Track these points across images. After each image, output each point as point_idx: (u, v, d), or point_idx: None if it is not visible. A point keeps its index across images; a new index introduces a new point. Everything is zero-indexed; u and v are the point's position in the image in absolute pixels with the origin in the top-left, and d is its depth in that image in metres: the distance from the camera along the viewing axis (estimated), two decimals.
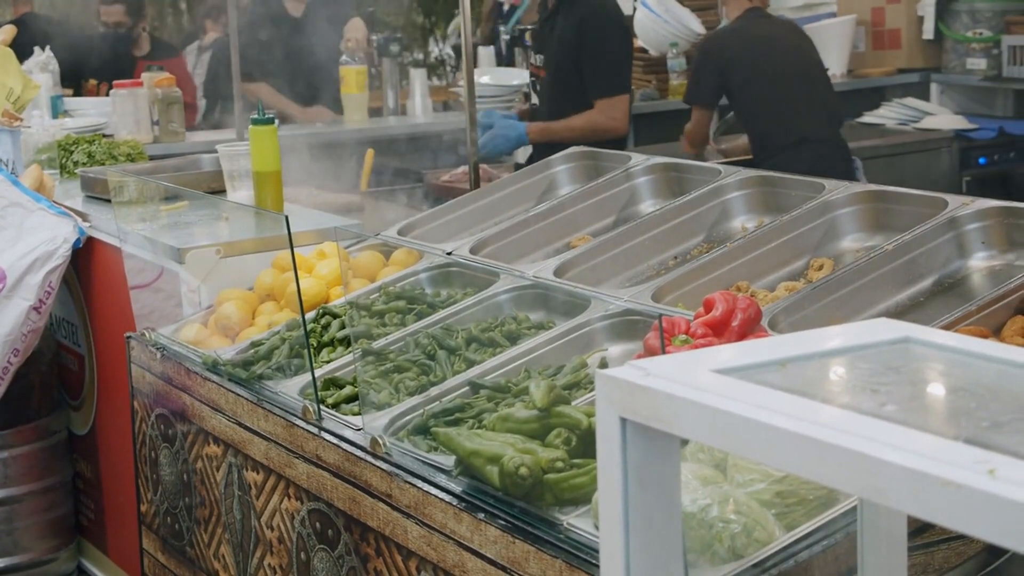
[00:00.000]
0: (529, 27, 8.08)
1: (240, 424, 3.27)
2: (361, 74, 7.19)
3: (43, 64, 6.76)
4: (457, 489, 2.55)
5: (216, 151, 4.73)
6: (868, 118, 7.81)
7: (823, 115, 6.09)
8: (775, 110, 6.03)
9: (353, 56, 7.16)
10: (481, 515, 2.44)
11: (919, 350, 1.73)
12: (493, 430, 2.55)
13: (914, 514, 1.32)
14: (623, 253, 3.57)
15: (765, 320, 2.74)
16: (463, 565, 2.48)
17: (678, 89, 7.86)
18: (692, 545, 2.08)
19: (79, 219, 4.60)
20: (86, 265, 4.65)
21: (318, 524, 2.97)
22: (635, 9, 7.86)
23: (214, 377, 3.43)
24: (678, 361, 1.69)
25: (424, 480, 2.62)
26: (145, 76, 6.72)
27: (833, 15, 8.63)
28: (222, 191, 4.59)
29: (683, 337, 2.48)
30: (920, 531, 2.13)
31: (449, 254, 3.69)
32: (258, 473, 3.21)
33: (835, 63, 8.27)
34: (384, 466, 2.72)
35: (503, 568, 2.38)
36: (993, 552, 2.20)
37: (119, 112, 6.47)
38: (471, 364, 3.06)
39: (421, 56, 11.49)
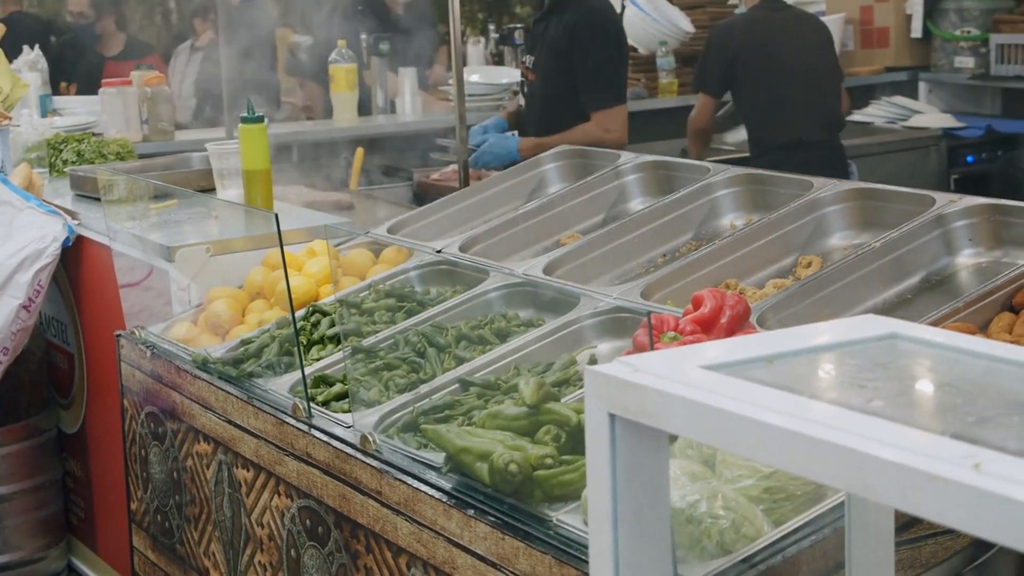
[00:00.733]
0: (519, 26, 8.09)
1: (230, 422, 3.28)
2: (351, 73, 7.19)
3: (32, 63, 6.77)
4: (447, 486, 2.55)
5: (206, 149, 4.74)
6: (857, 116, 7.82)
7: (822, 118, 6.06)
8: (773, 108, 6.01)
9: (343, 56, 7.16)
10: (471, 511, 2.45)
11: (906, 346, 1.74)
12: (483, 427, 2.55)
13: (901, 509, 1.33)
14: (612, 251, 3.58)
15: (753, 317, 2.75)
16: (453, 561, 2.49)
17: (667, 88, 7.88)
18: (681, 541, 2.09)
19: (68, 218, 4.60)
20: (75, 264, 4.65)
21: (308, 521, 2.98)
22: (624, 7, 7.86)
23: (204, 375, 3.43)
24: (667, 357, 1.70)
25: (414, 477, 2.62)
26: (134, 75, 6.72)
27: (822, 14, 8.63)
28: (211, 189, 4.59)
29: (672, 334, 2.50)
30: (907, 526, 2.14)
31: (439, 252, 3.70)
32: (248, 471, 3.22)
33: None
34: (374, 463, 2.73)
35: (493, 564, 2.38)
36: (978, 547, 2.21)
37: (108, 111, 6.47)
38: (461, 361, 3.06)
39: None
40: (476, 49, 8.44)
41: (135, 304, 4.10)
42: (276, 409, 3.11)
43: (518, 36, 8.02)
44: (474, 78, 7.30)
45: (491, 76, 7.62)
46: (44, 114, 6.49)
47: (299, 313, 3.44)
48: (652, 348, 2.32)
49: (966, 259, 3.10)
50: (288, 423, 3.03)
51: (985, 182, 7.13)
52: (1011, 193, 3.19)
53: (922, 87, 8.18)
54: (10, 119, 5.62)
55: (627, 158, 4.09)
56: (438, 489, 2.56)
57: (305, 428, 2.98)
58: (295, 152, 6.43)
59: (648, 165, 4.01)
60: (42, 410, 4.88)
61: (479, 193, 4.22)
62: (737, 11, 7.07)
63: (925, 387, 1.67)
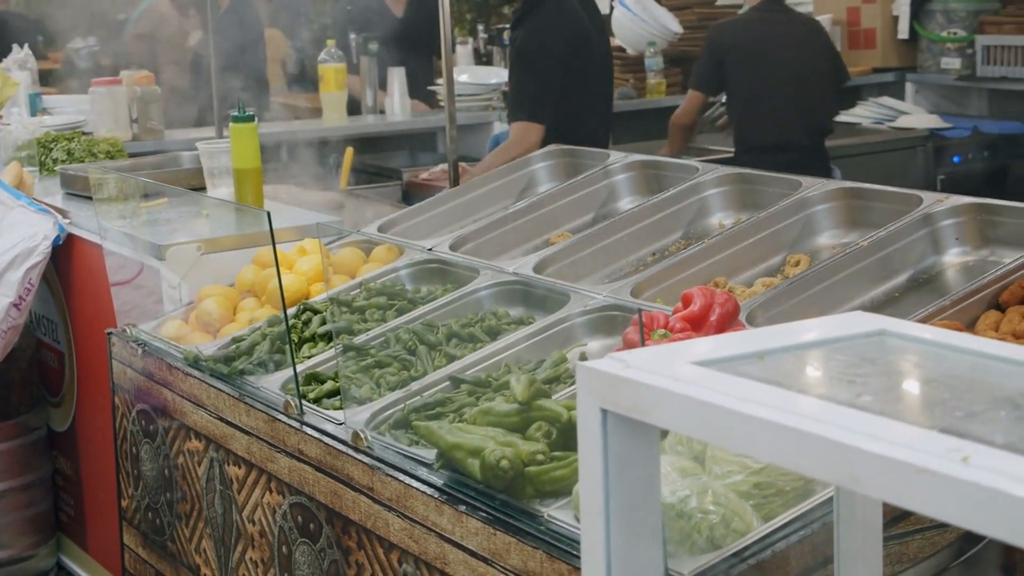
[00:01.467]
0: (507, 27, 8.10)
1: (222, 419, 3.29)
2: (340, 72, 7.19)
3: (21, 62, 6.76)
4: (439, 482, 2.57)
5: (196, 148, 4.75)
6: (844, 117, 7.84)
7: (807, 123, 6.09)
8: (758, 109, 6.04)
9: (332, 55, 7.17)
10: (463, 507, 2.47)
11: (894, 342, 1.76)
12: (474, 424, 2.57)
13: (890, 502, 1.35)
14: (602, 250, 3.60)
15: (742, 315, 2.77)
16: (444, 557, 2.51)
17: (656, 88, 7.90)
18: (671, 536, 2.11)
19: (59, 216, 4.60)
20: (66, 262, 4.66)
21: (300, 518, 3.00)
22: (612, 8, 7.88)
23: (196, 373, 3.44)
24: (658, 353, 1.72)
25: (406, 473, 2.64)
26: (124, 74, 6.72)
27: (809, 15, 8.67)
28: (202, 188, 4.61)
29: (662, 331, 2.52)
30: (894, 521, 2.16)
31: (429, 251, 3.72)
32: (240, 468, 3.23)
33: None
34: (366, 460, 2.74)
35: (484, 559, 2.40)
36: (966, 542, 2.23)
37: (98, 110, 6.47)
38: (451, 359, 3.08)
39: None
40: (465, 49, 8.44)
41: (126, 302, 4.11)
42: (268, 406, 3.13)
43: (506, 36, 8.04)
44: (463, 78, 7.31)
45: (480, 76, 7.63)
46: (34, 113, 6.49)
47: (290, 311, 3.46)
48: (643, 345, 2.34)
49: (953, 258, 3.13)
50: (280, 420, 3.05)
51: (972, 182, 7.15)
52: (997, 193, 3.22)
53: (909, 88, 8.21)
54: (0, 118, 5.63)
55: (616, 157, 4.11)
56: (430, 485, 2.57)
57: (297, 425, 3.00)
58: (284, 151, 6.44)
59: (637, 164, 4.03)
60: (32, 408, 4.88)
61: (469, 192, 4.24)
62: (741, 11, 7.08)
63: (913, 382, 1.69)
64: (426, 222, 4.08)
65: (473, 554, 2.43)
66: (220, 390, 3.30)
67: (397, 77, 7.39)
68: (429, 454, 2.63)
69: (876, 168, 7.00)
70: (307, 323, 3.47)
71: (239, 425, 3.22)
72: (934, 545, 2.21)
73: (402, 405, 2.88)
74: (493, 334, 3.18)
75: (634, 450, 1.67)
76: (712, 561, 2.10)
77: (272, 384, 3.22)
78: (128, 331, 3.85)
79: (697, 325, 2.56)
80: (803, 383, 1.65)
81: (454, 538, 2.48)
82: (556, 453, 2.44)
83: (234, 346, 3.46)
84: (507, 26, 8.16)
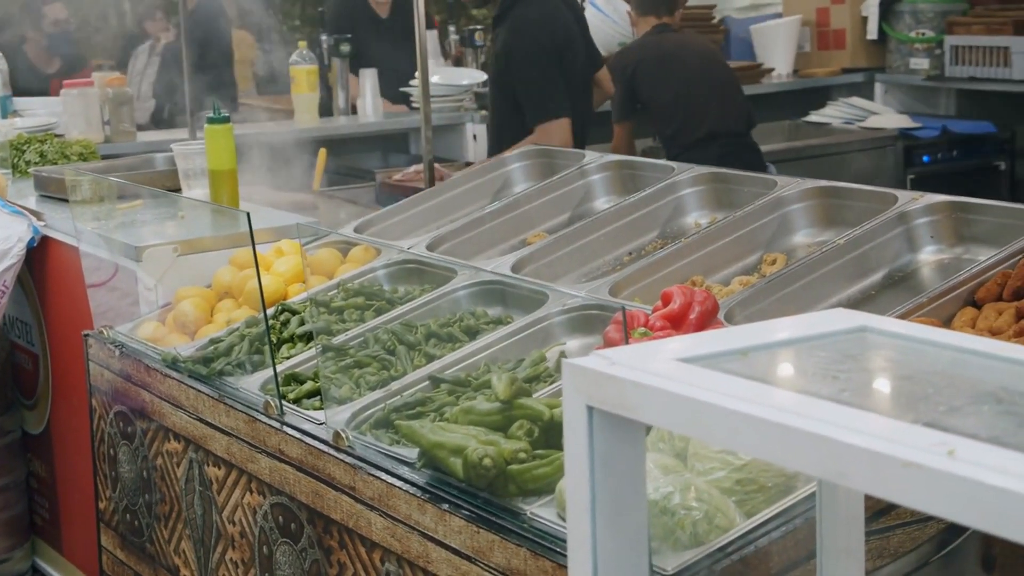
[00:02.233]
0: (479, 27, 8.11)
1: (201, 420, 3.29)
2: (312, 74, 7.19)
3: None
4: (421, 481, 2.58)
5: (170, 150, 4.74)
6: (814, 117, 7.90)
7: (732, 114, 6.16)
8: (684, 109, 6.09)
9: (304, 58, 7.17)
10: (445, 506, 2.48)
11: (875, 339, 1.78)
12: (455, 423, 2.58)
13: (877, 495, 1.36)
14: (579, 249, 3.62)
15: (721, 313, 2.79)
16: (428, 555, 2.52)
17: None
18: (655, 532, 2.13)
19: (33, 218, 4.59)
20: (40, 264, 4.65)
21: (281, 518, 3.00)
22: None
23: (174, 374, 3.44)
24: (643, 350, 1.73)
25: (388, 472, 2.65)
26: (96, 75, 6.71)
27: (779, 15, 8.72)
28: (177, 190, 4.60)
29: (642, 330, 2.53)
30: (876, 516, 2.18)
31: (407, 251, 3.72)
32: (219, 468, 3.24)
33: (781, 63, 8.37)
34: (347, 459, 2.75)
35: (467, 558, 2.41)
36: (946, 536, 2.26)
37: (69, 112, 6.46)
38: (431, 359, 3.09)
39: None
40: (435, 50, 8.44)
41: (102, 304, 4.11)
42: (247, 407, 3.13)
43: (478, 37, 8.05)
44: (435, 79, 7.32)
45: (451, 77, 7.64)
46: (5, 115, 6.47)
47: (268, 312, 3.46)
48: (627, 343, 2.36)
49: (928, 255, 3.16)
50: (260, 420, 3.06)
51: (941, 181, 7.20)
52: (967, 193, 3.26)
53: (878, 88, 8.26)
54: None
55: (592, 158, 4.13)
56: (412, 484, 2.58)
57: (277, 425, 3.00)
58: (256, 153, 6.43)
59: (613, 164, 4.05)
60: (6, 411, 4.87)
61: (444, 193, 4.25)
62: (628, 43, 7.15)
63: (896, 378, 1.70)
64: (403, 222, 4.09)
65: (456, 552, 2.44)
66: (199, 391, 3.30)
67: (369, 78, 7.40)
68: (411, 453, 2.65)
69: (846, 168, 7.04)
70: (285, 324, 3.48)
71: (219, 426, 3.22)
72: (914, 540, 2.23)
73: (382, 405, 2.89)
74: (472, 334, 3.20)
75: (620, 447, 1.68)
76: (695, 557, 2.11)
77: (251, 385, 3.23)
78: (105, 333, 3.85)
79: (677, 323, 2.58)
80: (787, 379, 1.67)
81: (437, 536, 2.49)
82: (538, 451, 2.45)
83: (212, 347, 3.46)
84: (477, 27, 8.18)
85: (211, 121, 4.32)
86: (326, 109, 7.58)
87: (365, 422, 2.86)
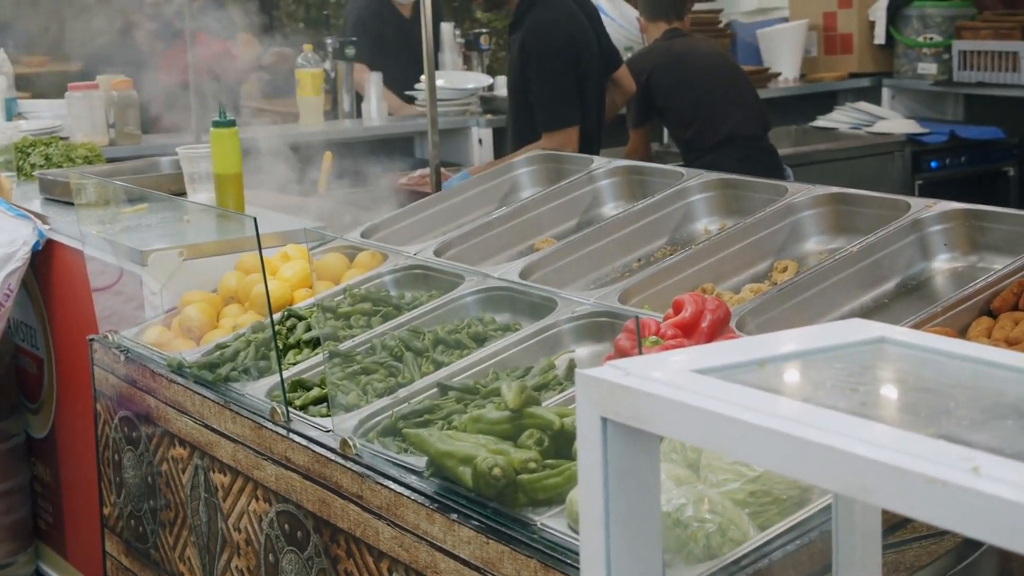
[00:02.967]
0: (485, 31, 8.09)
1: (207, 426, 3.27)
2: (317, 77, 7.17)
3: None
4: (429, 490, 2.55)
5: (175, 153, 4.72)
6: (821, 122, 7.86)
7: (748, 117, 6.14)
8: (701, 113, 6.07)
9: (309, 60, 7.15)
10: (454, 516, 2.45)
11: (894, 350, 1.76)
12: (464, 431, 2.55)
13: (899, 512, 1.34)
14: (587, 256, 3.59)
15: (732, 322, 2.76)
16: (436, 566, 2.49)
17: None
18: (667, 545, 2.10)
19: (38, 221, 4.57)
20: (45, 268, 4.63)
21: (287, 526, 2.98)
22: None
23: (179, 379, 3.42)
24: (658, 361, 1.71)
25: (395, 481, 2.62)
26: (101, 79, 6.69)
27: (786, 20, 8.69)
28: (182, 193, 4.58)
29: (654, 338, 2.51)
30: (892, 530, 2.16)
31: (414, 256, 3.70)
32: (225, 475, 3.21)
33: (787, 67, 8.33)
34: (355, 467, 2.73)
35: (477, 568, 2.39)
36: (964, 550, 2.23)
37: (74, 114, 6.43)
38: (439, 366, 3.07)
39: None
40: (442, 54, 8.42)
41: (106, 308, 4.08)
42: (254, 413, 3.11)
43: (484, 41, 8.03)
44: (441, 83, 7.29)
45: (457, 81, 7.62)
46: (10, 117, 6.45)
47: (275, 317, 3.44)
48: (640, 352, 2.33)
49: (942, 264, 3.13)
50: (266, 427, 3.03)
51: (949, 187, 7.18)
52: (975, 199, 3.23)
53: (885, 93, 8.22)
54: None
55: (600, 163, 4.10)
56: (420, 493, 2.56)
57: (284, 432, 2.98)
58: (262, 156, 6.41)
59: (621, 170, 4.03)
60: (10, 415, 4.85)
61: (452, 198, 4.23)
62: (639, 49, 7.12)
63: (916, 390, 1.68)
64: (409, 227, 4.06)
65: (465, 563, 2.41)
66: (205, 397, 3.28)
67: (374, 82, 7.38)
68: (419, 462, 2.62)
69: (853, 173, 7.01)
70: (292, 329, 3.45)
71: (224, 432, 3.20)
72: (931, 554, 2.20)
73: (390, 412, 2.86)
74: (480, 340, 3.17)
75: (634, 459, 1.66)
76: (709, 570, 2.09)
77: (257, 391, 3.20)
78: (110, 337, 3.82)
79: (688, 332, 2.55)
80: (806, 391, 1.65)
81: (445, 547, 2.46)
82: (548, 461, 2.42)
83: (218, 353, 3.43)
84: (483, 31, 8.16)
85: (217, 124, 4.30)
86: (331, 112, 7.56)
87: (372, 429, 2.84)
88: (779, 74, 8.29)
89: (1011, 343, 2.60)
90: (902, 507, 1.34)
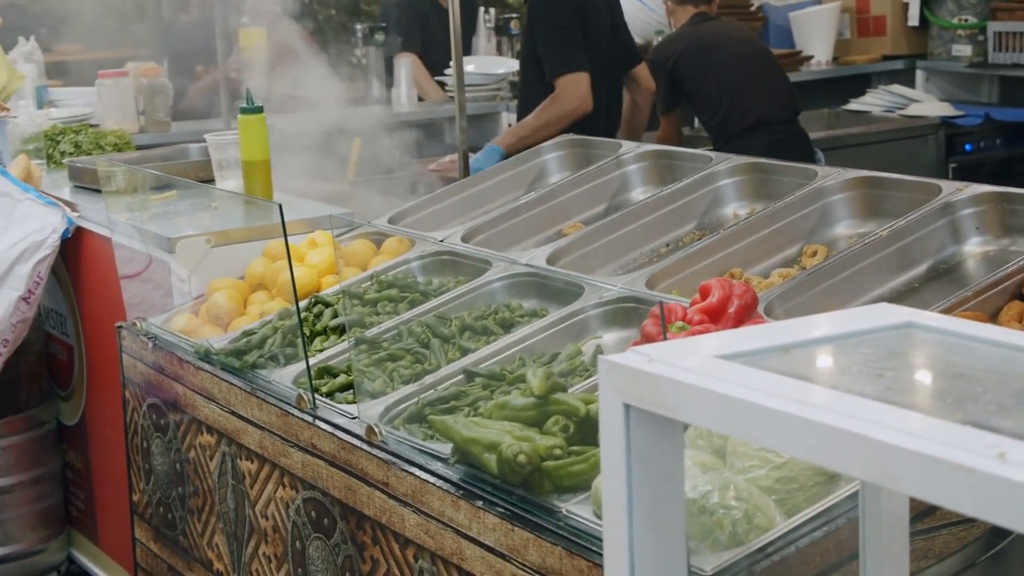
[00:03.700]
0: (515, 16, 8.06)
1: (234, 413, 3.26)
2: None
3: (28, 54, 6.73)
4: (455, 477, 2.54)
5: (203, 140, 4.72)
6: (854, 105, 7.81)
7: (778, 100, 6.10)
8: (729, 98, 6.03)
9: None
10: (479, 503, 2.44)
11: (921, 335, 1.73)
12: (490, 418, 2.54)
13: (925, 499, 1.32)
14: (615, 241, 3.57)
15: (760, 307, 2.74)
16: (461, 552, 2.48)
17: None
18: (693, 531, 2.08)
19: (68, 209, 4.58)
20: (75, 255, 4.63)
21: (313, 513, 2.97)
22: None
23: (207, 366, 3.42)
24: (681, 347, 1.69)
25: (421, 468, 2.61)
26: (131, 66, 6.69)
27: (818, 2, 8.63)
28: (210, 180, 4.57)
29: (680, 324, 2.48)
30: (920, 516, 2.13)
31: (441, 242, 3.68)
32: (252, 462, 3.21)
33: (820, 50, 8.28)
34: (381, 454, 2.71)
35: (502, 555, 2.37)
36: (992, 537, 2.20)
37: (105, 102, 6.44)
38: (465, 352, 3.05)
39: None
40: (476, 39, 8.40)
41: (135, 295, 4.09)
42: (280, 400, 3.10)
43: (514, 26, 8.00)
44: (470, 68, 7.27)
45: (487, 66, 7.60)
46: (40, 105, 6.46)
47: (301, 304, 3.43)
48: (664, 338, 2.31)
49: (973, 247, 3.09)
50: (293, 414, 3.02)
51: (984, 170, 7.12)
52: (1010, 181, 3.19)
53: (919, 75, 8.16)
54: (8, 110, 5.60)
55: (628, 147, 4.08)
56: (446, 480, 2.54)
57: (310, 419, 2.97)
58: (290, 143, 6.41)
59: (650, 154, 4.00)
60: (41, 402, 4.86)
61: (479, 183, 4.21)
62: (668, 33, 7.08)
63: (943, 376, 1.65)
64: (436, 213, 4.05)
65: (490, 550, 2.40)
66: (232, 384, 3.27)
67: (404, 67, 7.36)
68: (444, 448, 2.61)
69: (886, 157, 6.95)
70: (318, 316, 3.44)
71: (251, 419, 3.19)
72: (960, 540, 2.18)
73: (416, 399, 2.85)
74: (507, 327, 3.15)
75: (657, 446, 1.64)
76: (735, 558, 2.07)
77: (284, 378, 3.20)
78: (138, 324, 3.83)
79: (715, 317, 2.52)
80: (831, 377, 1.62)
81: (471, 534, 2.45)
82: (574, 448, 2.41)
83: (245, 340, 3.43)
84: (513, 15, 8.13)
85: (244, 111, 4.29)
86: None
87: (398, 416, 2.82)
88: (811, 57, 8.23)
89: None
90: (927, 494, 1.32)
